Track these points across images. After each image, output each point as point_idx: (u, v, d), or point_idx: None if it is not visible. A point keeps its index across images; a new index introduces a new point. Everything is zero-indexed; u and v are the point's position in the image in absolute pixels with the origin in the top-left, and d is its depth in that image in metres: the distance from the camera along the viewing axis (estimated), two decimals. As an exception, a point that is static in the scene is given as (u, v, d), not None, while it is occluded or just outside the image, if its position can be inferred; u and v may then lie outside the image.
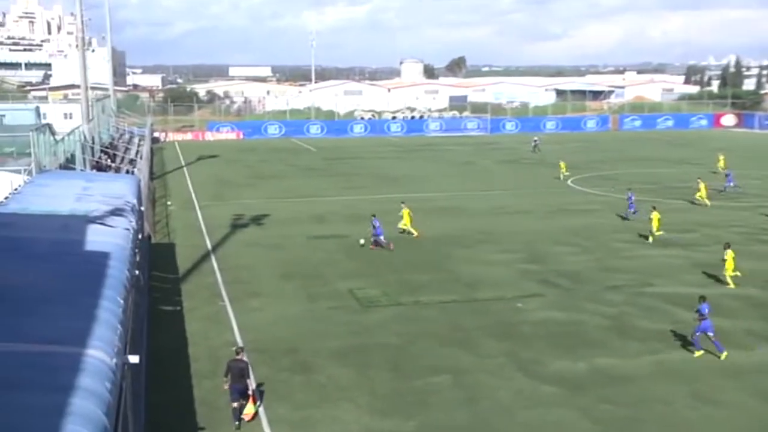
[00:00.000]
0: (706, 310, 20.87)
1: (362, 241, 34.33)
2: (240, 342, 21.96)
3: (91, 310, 10.41)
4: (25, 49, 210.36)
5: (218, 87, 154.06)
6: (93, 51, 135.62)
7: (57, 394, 7.71)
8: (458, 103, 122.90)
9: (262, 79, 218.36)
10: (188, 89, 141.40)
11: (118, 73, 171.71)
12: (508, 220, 41.13)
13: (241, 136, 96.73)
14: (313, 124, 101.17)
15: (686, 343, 21.75)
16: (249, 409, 17.16)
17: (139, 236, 20.40)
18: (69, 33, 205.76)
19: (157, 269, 30.22)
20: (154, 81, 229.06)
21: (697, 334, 20.96)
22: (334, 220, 41.32)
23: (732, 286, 27.36)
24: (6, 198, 19.42)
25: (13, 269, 12.40)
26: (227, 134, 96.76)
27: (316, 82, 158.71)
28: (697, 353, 20.91)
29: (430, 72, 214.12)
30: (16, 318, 10.00)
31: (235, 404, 17.02)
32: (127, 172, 45.11)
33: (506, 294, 27.01)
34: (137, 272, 16.36)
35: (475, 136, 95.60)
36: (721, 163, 57.84)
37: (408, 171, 58.11)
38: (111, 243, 14.64)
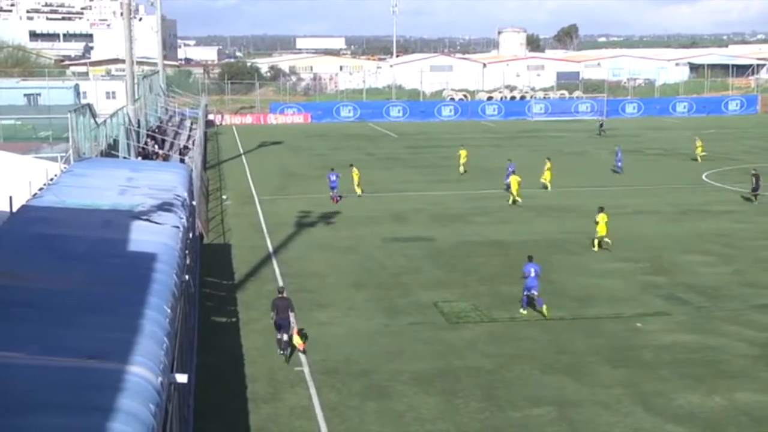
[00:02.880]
0: (532, 271, 26.39)
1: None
2: (304, 360, 22.22)
3: (134, 321, 10.69)
4: (63, 18, 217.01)
5: (283, 62, 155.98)
6: (140, 20, 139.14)
7: (94, 416, 7.94)
8: (568, 81, 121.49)
9: (335, 53, 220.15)
10: (248, 64, 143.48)
11: (169, 46, 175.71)
12: (626, 221, 40.44)
13: (310, 120, 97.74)
14: (394, 105, 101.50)
15: None
16: (297, 340, 22.57)
17: (190, 235, 20.84)
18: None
19: (210, 274, 30.82)
20: (209, 54, 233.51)
21: (525, 293, 26.49)
22: (417, 219, 41.39)
23: (596, 249, 34.03)
24: (41, 189, 20.09)
25: (47, 272, 12.82)
26: (293, 117, 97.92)
27: (397, 56, 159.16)
28: (523, 311, 26.41)
29: (534, 43, 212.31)
30: (50, 328, 10.34)
31: (279, 336, 22.71)
32: (180, 160, 46.11)
33: (623, 311, 26.62)
34: (187, 277, 16.73)
35: (587, 121, 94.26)
36: None
37: (504, 161, 57.60)
38: (158, 243, 14.99)
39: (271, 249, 35.10)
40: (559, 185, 50.28)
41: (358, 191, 47.09)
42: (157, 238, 15.44)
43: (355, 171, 47.86)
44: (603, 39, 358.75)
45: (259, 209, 44.13)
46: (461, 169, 55.54)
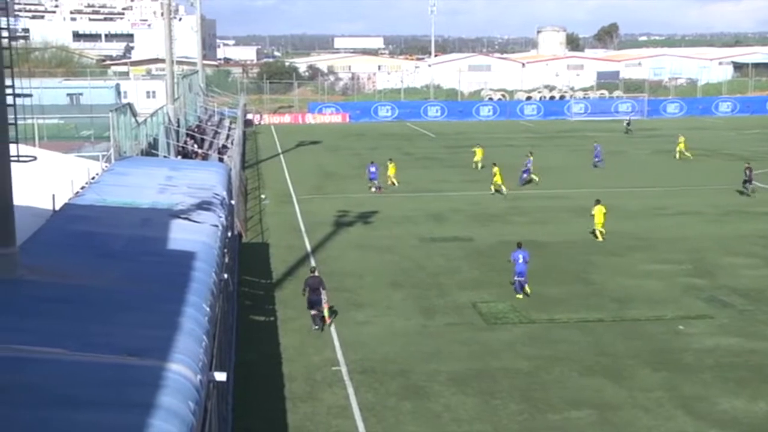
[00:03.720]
0: (520, 257, 27.98)
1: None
2: (342, 360, 22.25)
3: (173, 319, 10.74)
4: (105, 19, 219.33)
5: (321, 61, 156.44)
6: (180, 20, 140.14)
7: (133, 413, 7.98)
8: (608, 81, 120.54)
9: (373, 52, 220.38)
10: (287, 64, 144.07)
11: (208, 45, 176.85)
12: (668, 222, 40.09)
13: (347, 119, 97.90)
14: (432, 105, 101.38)
15: None
16: (327, 313, 25.03)
17: (229, 234, 20.94)
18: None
19: (248, 273, 30.97)
20: (248, 54, 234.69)
21: (515, 279, 28.05)
22: (455, 219, 41.29)
23: (600, 239, 35.73)
24: (82, 188, 20.29)
25: (87, 269, 12.94)
26: (331, 117, 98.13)
27: (436, 56, 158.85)
28: (518, 296, 27.85)
29: (574, 43, 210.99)
30: (89, 325, 10.43)
31: (312, 312, 24.92)
32: (219, 159, 46.39)
33: (665, 314, 26.36)
34: (226, 276, 16.80)
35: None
36: None
37: (545, 162, 57.32)
38: (197, 241, 15.07)
39: (308, 248, 35.19)
40: (598, 185, 49.93)
41: (395, 182, 50.15)
42: (196, 236, 15.52)
43: (392, 165, 50.86)
44: (644, 38, 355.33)
45: (297, 208, 44.27)
46: (478, 165, 56.60)
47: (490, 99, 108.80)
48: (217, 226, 16.91)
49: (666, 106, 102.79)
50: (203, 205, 18.33)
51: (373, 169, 49.33)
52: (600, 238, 36.25)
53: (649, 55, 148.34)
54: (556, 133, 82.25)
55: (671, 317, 26.02)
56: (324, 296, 24.84)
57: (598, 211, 36.47)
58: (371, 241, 36.45)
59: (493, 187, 47.75)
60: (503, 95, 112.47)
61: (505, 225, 39.71)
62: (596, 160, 58.03)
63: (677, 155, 61.88)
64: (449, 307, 27.17)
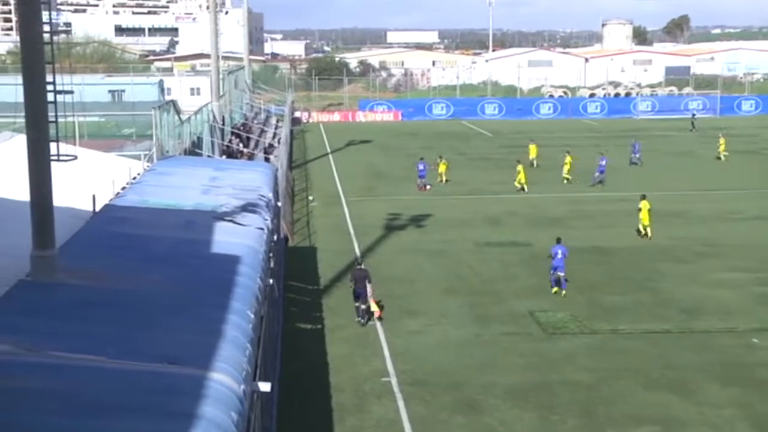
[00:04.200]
0: (558, 252, 29.09)
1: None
2: (392, 370, 22.28)
3: (216, 326, 10.85)
4: (149, 12, 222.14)
5: (373, 56, 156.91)
6: (226, 13, 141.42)
7: (175, 423, 8.08)
8: (678, 77, 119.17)
9: (427, 47, 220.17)
10: (336, 59, 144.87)
11: (255, 40, 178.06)
12: (741, 228, 39.53)
13: (400, 118, 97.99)
14: (489, 102, 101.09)
15: None
16: (374, 307, 26.18)
17: (275, 237, 21.08)
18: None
19: (295, 278, 31.13)
20: (296, 49, 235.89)
21: (552, 273, 29.26)
22: (512, 223, 41.13)
23: (644, 237, 36.85)
24: (123, 188, 20.57)
25: (128, 272, 13.11)
26: (383, 115, 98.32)
27: (493, 51, 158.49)
28: (554, 290, 29.02)
29: (641, 36, 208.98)
30: (130, 330, 10.57)
31: (357, 304, 26.29)
32: (265, 159, 46.71)
33: (737, 325, 26.00)
34: (271, 281, 16.92)
35: (700, 119, 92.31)
36: None
37: (610, 163, 56.85)
38: (241, 245, 15.20)
39: (358, 252, 35.28)
40: (667, 188, 49.41)
41: (444, 179, 52.03)
42: (240, 239, 15.64)
43: (443, 162, 52.67)
44: (717, 30, 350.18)
45: (346, 211, 44.42)
46: (534, 163, 57.89)
47: (551, 96, 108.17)
48: (262, 228, 17.03)
49: (740, 103, 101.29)
50: (248, 207, 18.47)
51: (421, 167, 50.32)
52: (649, 235, 37.02)
53: (723, 49, 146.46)
54: (621, 132, 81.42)
55: (744, 329, 25.64)
56: (369, 289, 26.13)
57: (644, 207, 37.20)
58: (424, 246, 36.45)
59: (517, 184, 49.24)
60: (565, 92, 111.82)
61: (567, 229, 39.40)
62: (636, 156, 59.09)
63: (721, 157, 61.73)
64: (505, 316, 27.07)
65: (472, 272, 32.31)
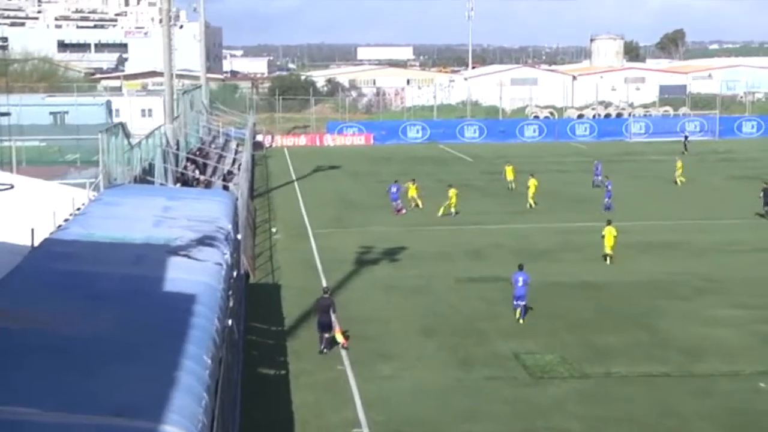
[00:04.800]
0: (519, 280, 30.49)
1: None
2: (364, 421, 22.13)
3: (168, 372, 10.70)
4: (95, 26, 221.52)
5: (342, 74, 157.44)
6: (181, 27, 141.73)
7: (122, 483, 7.93)
8: (673, 96, 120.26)
9: (401, 64, 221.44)
10: (302, 77, 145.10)
11: (213, 57, 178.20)
12: (744, 261, 39.76)
13: (372, 141, 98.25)
14: (470, 124, 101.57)
15: None
16: (340, 338, 27.52)
17: (234, 274, 20.95)
18: (151, 4, 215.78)
19: (257, 319, 30.94)
20: (258, 66, 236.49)
21: (515, 302, 30.52)
22: (496, 256, 41.17)
23: (607, 262, 38.77)
24: (66, 220, 20.38)
25: (70, 314, 12.94)
26: (353, 138, 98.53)
27: (473, 68, 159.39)
28: (520, 321, 30.35)
29: (633, 52, 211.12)
30: (71, 378, 10.40)
31: (321, 334, 27.43)
32: (224, 187, 46.56)
33: (742, 368, 26.08)
34: (230, 322, 16.79)
35: (697, 142, 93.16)
36: None
37: (600, 190, 57.13)
38: (197, 282, 15.07)
39: (334, 319, 34.99)
40: (663, 217, 49.72)
41: (420, 203, 53.34)
42: (196, 276, 15.52)
43: (413, 186, 54.10)
44: (715, 46, 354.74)
45: (313, 244, 44.31)
46: (511, 185, 60.40)
47: (536, 117, 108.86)
48: (221, 264, 16.91)
49: (741, 124, 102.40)
50: (205, 241, 18.35)
51: (394, 189, 52.56)
52: (608, 262, 38.95)
53: (721, 66, 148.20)
54: (613, 156, 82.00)
55: (750, 372, 25.71)
56: (334, 320, 27.44)
57: (609, 234, 39.09)
58: (399, 282, 36.37)
59: (443, 210, 51.09)
60: (551, 113, 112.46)
61: (555, 263, 39.52)
62: (598, 178, 61.14)
63: (677, 181, 63.63)
64: (489, 359, 27.00)
65: (452, 311, 32.25)
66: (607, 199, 52.39)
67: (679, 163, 65.07)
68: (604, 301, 33.13)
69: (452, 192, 51.83)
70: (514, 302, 30.73)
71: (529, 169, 60.61)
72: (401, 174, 67.63)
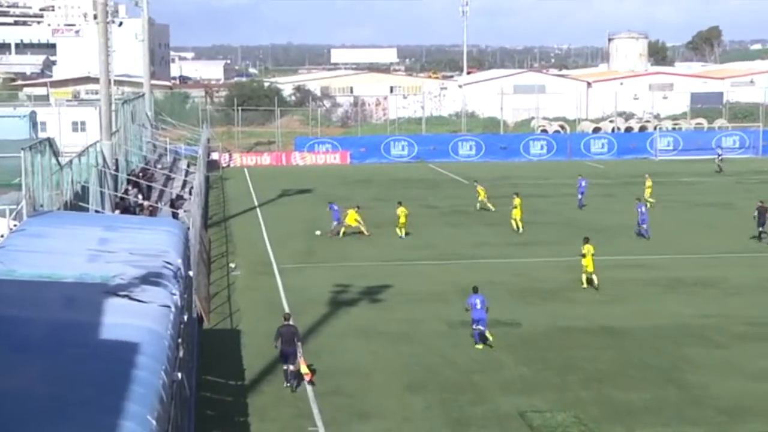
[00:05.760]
0: (477, 303, 33.12)
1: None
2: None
3: (106, 435, 10.68)
4: (16, 23, 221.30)
5: (313, 81, 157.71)
6: (120, 25, 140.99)
7: None
8: (707, 106, 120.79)
9: (384, 69, 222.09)
10: (266, 84, 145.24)
11: (158, 60, 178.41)
12: (790, 301, 39.94)
13: (348, 160, 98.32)
14: (465, 140, 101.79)
15: None
16: (304, 369, 29.10)
17: (185, 318, 20.93)
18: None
19: (212, 371, 30.85)
20: (213, 71, 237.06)
21: (473, 326, 33.14)
22: (495, 296, 41.08)
23: (585, 286, 41.77)
24: (-17, 254, 20.33)
25: (-10, 366, 12.90)
26: (326, 156, 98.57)
27: (469, 73, 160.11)
28: (478, 346, 33.00)
29: (659, 54, 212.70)
30: (-8, 444, 10.38)
31: (285, 367, 29.20)
32: (172, 215, 46.50)
33: (789, 428, 26.11)
34: (180, 376, 16.76)
35: (735, 160, 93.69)
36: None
37: (620, 218, 57.30)
38: (140, 328, 15.06)
39: (299, 349, 35.06)
40: (695, 250, 49.84)
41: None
42: (139, 321, 15.51)
43: (352, 211, 55.81)
44: (757, 46, 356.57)
45: (278, 282, 44.25)
46: (478, 205, 64.03)
47: (544, 131, 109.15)
48: (168, 306, 16.91)
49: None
50: (150, 278, 18.35)
51: (336, 208, 56.48)
52: (585, 285, 41.92)
53: (765, 70, 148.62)
54: (634, 177, 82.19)
55: (799, 433, 25.78)
56: (299, 350, 29.30)
57: (587, 252, 41.89)
58: (381, 327, 36.33)
59: (398, 231, 54.56)
60: (561, 126, 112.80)
61: (565, 304, 39.58)
62: (580, 196, 65.79)
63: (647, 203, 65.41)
64: (488, 419, 26.99)
65: (444, 361, 32.22)
66: (642, 225, 53.64)
67: (648, 182, 67.47)
68: (625, 350, 33.10)
69: (401, 211, 54.87)
70: (473, 326, 33.16)
71: (541, 193, 60.83)
72: (382, 200, 67.90)
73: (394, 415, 27.38)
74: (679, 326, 36.04)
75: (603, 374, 30.63)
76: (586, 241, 42.44)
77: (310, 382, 29.24)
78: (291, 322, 30.25)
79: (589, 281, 41.92)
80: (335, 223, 55.68)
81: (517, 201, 56.73)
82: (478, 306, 33.18)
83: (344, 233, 54.91)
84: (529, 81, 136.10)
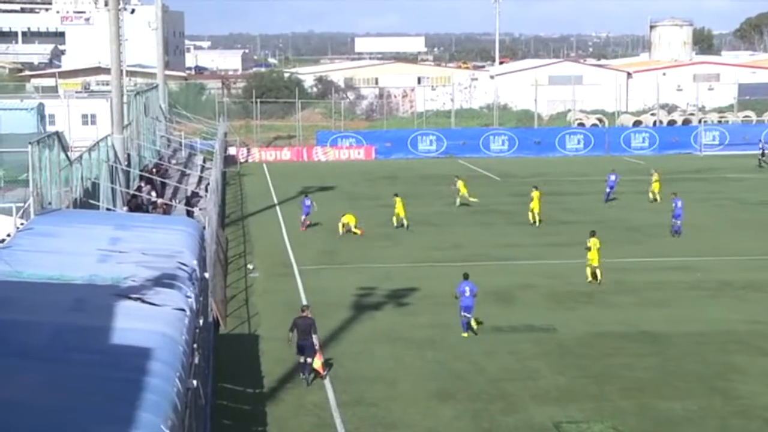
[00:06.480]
0: (466, 290, 34.88)
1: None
2: None
3: (117, 446, 10.71)
4: (23, 10, 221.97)
5: (336, 71, 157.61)
6: (132, 12, 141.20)
7: None
8: (756, 97, 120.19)
9: (411, 59, 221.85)
10: (286, 75, 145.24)
11: (173, 49, 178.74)
12: None
13: (373, 155, 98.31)
14: (497, 134, 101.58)
15: None
16: (317, 364, 30.17)
17: (201, 322, 20.97)
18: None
19: (228, 378, 30.91)
20: (231, 62, 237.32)
21: (461, 315, 35.04)
22: (528, 299, 41.14)
23: (590, 280, 43.29)
24: (-13, 255, 20.41)
25: (-6, 373, 12.94)
26: (350, 151, 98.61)
27: (501, 63, 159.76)
28: (464, 334, 34.96)
29: (705, 42, 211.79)
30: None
31: (301, 360, 30.30)
32: (187, 213, 46.59)
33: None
34: (195, 383, 16.80)
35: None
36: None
37: (660, 217, 57.08)
38: (153, 333, 15.08)
39: (316, 342, 35.11)
40: (742, 251, 49.61)
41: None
42: (152, 325, 15.52)
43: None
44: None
45: (299, 284, 44.28)
46: (458, 201, 65.31)
47: (581, 125, 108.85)
48: (183, 310, 16.93)
49: None
50: (163, 280, 18.37)
51: (308, 203, 59.14)
52: (590, 278, 43.44)
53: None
54: (678, 174, 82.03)
55: None
56: (316, 342, 30.37)
57: (593, 245, 43.31)
58: (407, 332, 36.34)
59: (395, 221, 57.19)
60: (600, 119, 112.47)
61: (603, 308, 39.49)
62: (609, 190, 67.69)
63: (651, 196, 67.88)
64: (521, 430, 26.96)
65: (474, 368, 32.20)
66: (676, 221, 53.84)
67: (655, 176, 68.35)
68: (667, 357, 33.00)
69: (397, 200, 57.71)
70: (461, 314, 35.14)
71: (577, 191, 60.64)
72: (409, 196, 67.70)
73: (420, 425, 27.39)
74: (725, 332, 35.92)
75: (643, 383, 30.55)
76: (593, 234, 43.88)
77: (323, 377, 30.54)
78: (308, 314, 31.26)
79: (594, 275, 43.36)
80: (303, 216, 58.28)
81: (535, 194, 58.68)
82: (467, 293, 34.92)
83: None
84: (565, 71, 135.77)
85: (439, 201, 67.56)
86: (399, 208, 57.14)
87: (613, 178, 67.72)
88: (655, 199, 66.23)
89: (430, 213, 62.56)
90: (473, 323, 35.18)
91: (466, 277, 35.76)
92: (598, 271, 43.16)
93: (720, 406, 28.65)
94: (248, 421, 27.89)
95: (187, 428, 14.61)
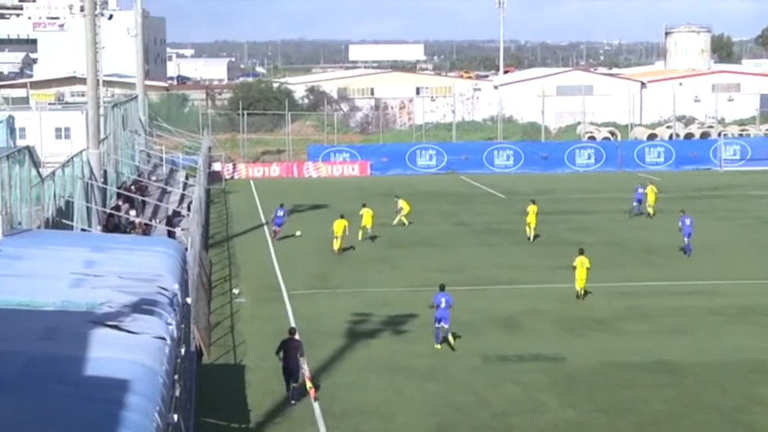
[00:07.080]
0: (442, 301, 36.89)
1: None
2: None
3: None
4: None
5: (328, 81, 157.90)
6: (110, 18, 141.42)
7: None
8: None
9: (409, 67, 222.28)
10: (275, 85, 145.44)
11: (154, 57, 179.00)
12: None
13: (369, 171, 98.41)
14: (501, 148, 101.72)
15: None
16: (307, 386, 31.41)
17: (182, 351, 20.92)
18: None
19: (211, 412, 30.85)
20: (216, 71, 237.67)
21: (435, 326, 37.07)
22: (536, 326, 41.13)
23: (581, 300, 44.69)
24: (-47, 278, 20.35)
25: (-41, 407, 12.89)
26: (343, 166, 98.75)
27: (506, 72, 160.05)
28: (437, 346, 36.93)
29: (724, 49, 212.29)
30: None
31: (292, 385, 31.18)
32: (168, 234, 46.56)
33: None
34: (175, 417, 16.74)
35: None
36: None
37: (677, 237, 57.16)
38: (131, 363, 15.03)
39: (306, 372, 35.09)
40: (765, 275, 49.61)
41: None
42: (129, 355, 15.48)
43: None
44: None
45: (288, 310, 44.26)
46: (359, 234, 61.07)
47: (592, 138, 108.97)
48: (163, 338, 16.88)
49: None
50: (142, 306, 18.33)
51: (281, 213, 61.45)
52: (580, 299, 44.86)
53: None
54: (696, 191, 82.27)
55: None
56: (304, 365, 31.85)
57: (580, 265, 44.66)
58: (406, 361, 36.31)
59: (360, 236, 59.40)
60: (612, 133, 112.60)
61: (617, 336, 39.48)
62: (635, 205, 69.74)
63: (651, 211, 69.74)
64: (529, 468, 26.94)
65: (477, 401, 32.17)
66: (686, 239, 54.36)
67: (651, 188, 70.59)
68: (686, 389, 32.99)
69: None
70: (436, 324, 37.11)
71: (587, 209, 60.69)
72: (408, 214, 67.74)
73: (420, 462, 27.35)
74: (748, 362, 35.88)
75: (660, 416, 30.51)
76: (581, 252, 45.34)
77: (315, 399, 31.31)
78: (296, 337, 32.70)
79: (577, 296, 45.07)
80: (275, 227, 61.12)
81: (530, 208, 60.33)
82: (443, 305, 36.97)
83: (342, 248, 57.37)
84: (574, 81, 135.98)
85: (440, 220, 67.59)
86: (367, 220, 59.53)
87: (641, 191, 69.46)
88: (652, 214, 67.93)
89: (431, 233, 62.64)
90: (450, 338, 36.88)
91: (442, 288, 38.13)
92: (582, 292, 44.89)
93: (743, 442, 28.64)
94: (234, 458, 27.85)
95: (167, 466, 14.55)
